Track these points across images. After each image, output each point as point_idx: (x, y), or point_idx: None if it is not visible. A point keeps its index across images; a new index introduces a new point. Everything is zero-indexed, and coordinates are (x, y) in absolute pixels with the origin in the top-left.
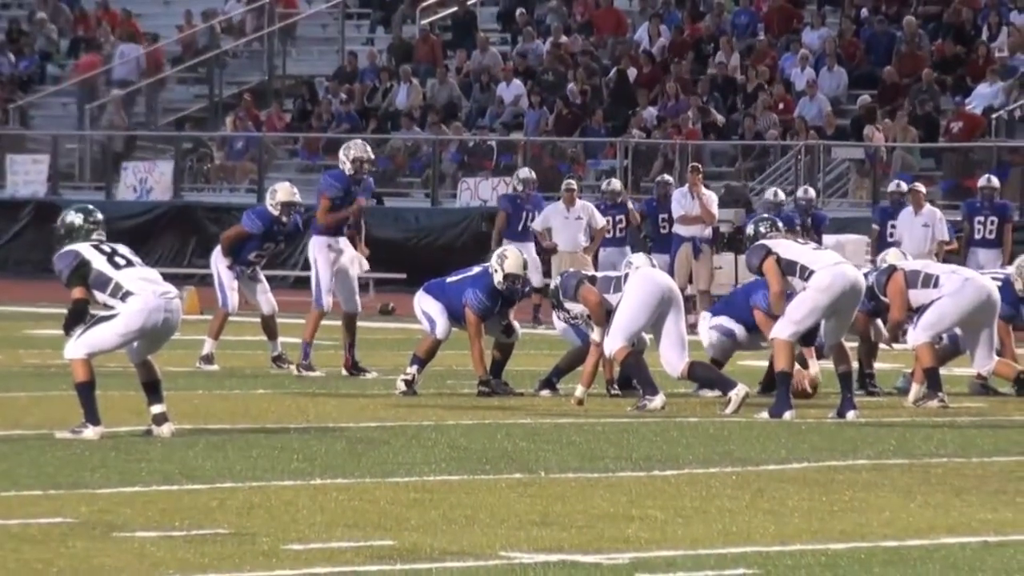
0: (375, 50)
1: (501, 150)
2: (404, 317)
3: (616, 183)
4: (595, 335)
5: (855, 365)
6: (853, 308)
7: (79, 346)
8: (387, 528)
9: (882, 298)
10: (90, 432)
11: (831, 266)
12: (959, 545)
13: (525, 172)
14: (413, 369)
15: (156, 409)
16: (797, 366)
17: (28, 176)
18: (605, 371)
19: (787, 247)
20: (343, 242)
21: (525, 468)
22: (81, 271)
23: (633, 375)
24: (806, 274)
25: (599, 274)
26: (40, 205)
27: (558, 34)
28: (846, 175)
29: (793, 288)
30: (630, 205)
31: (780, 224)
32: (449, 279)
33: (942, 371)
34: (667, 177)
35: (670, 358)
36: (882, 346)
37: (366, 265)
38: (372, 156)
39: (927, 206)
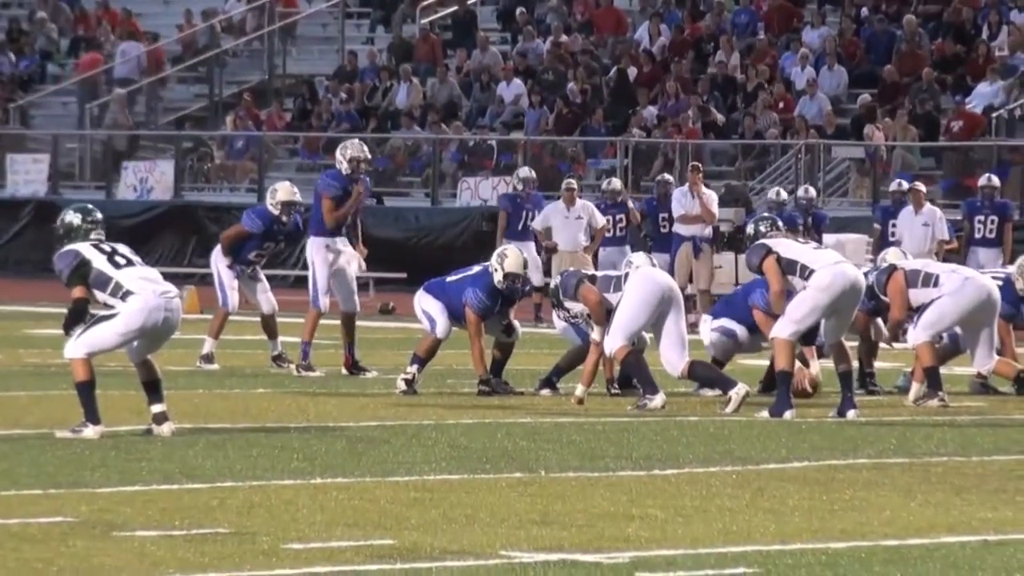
0: (375, 49)
1: (501, 149)
2: (404, 316)
3: (616, 182)
4: (595, 334)
5: (855, 364)
6: (853, 307)
7: (79, 345)
8: (387, 527)
9: (882, 297)
10: (90, 431)
11: (831, 265)
12: (959, 544)
13: (525, 171)
14: (413, 368)
15: (156, 408)
16: (798, 365)
17: (28, 175)
18: (605, 370)
19: (787, 246)
20: (341, 242)
21: (525, 467)
22: (81, 270)
23: (633, 374)
24: (806, 273)
25: (599, 273)
26: (40, 205)
27: (558, 33)
28: (846, 174)
29: (793, 287)
30: (630, 204)
31: (780, 223)
32: (449, 278)
33: (942, 370)
34: (667, 176)
35: (670, 357)
36: (882, 345)
37: (363, 265)
38: (369, 156)
39: (927, 205)
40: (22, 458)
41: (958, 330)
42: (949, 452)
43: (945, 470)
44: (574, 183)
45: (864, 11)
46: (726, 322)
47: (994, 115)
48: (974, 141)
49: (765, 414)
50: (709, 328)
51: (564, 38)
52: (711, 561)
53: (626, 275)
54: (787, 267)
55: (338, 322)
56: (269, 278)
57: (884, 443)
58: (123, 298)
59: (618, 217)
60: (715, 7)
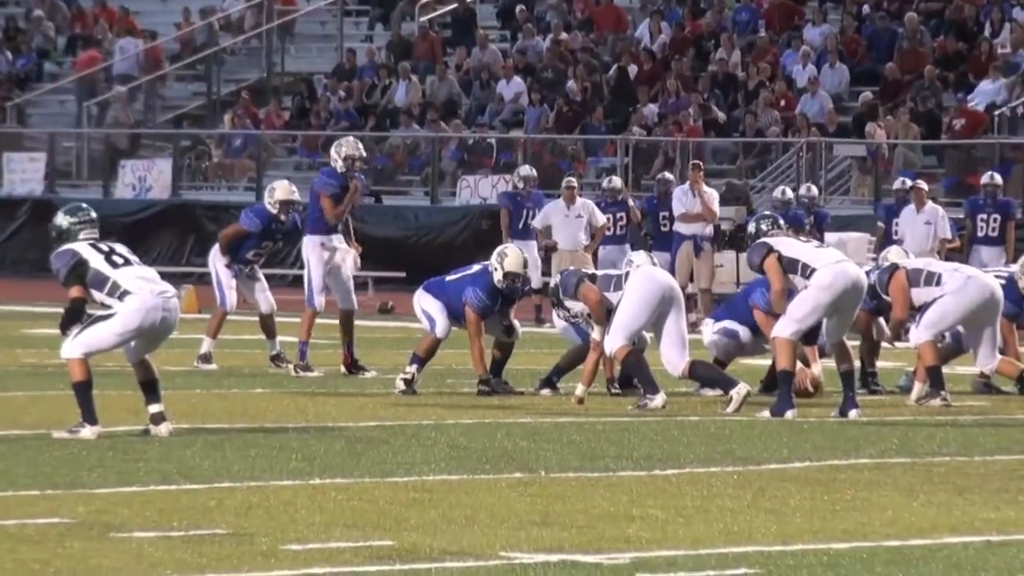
0: (374, 47)
1: (501, 148)
2: (403, 316)
3: (617, 181)
4: (595, 334)
5: (857, 364)
6: (855, 306)
7: (76, 345)
8: (386, 528)
9: (884, 296)
10: (87, 432)
11: (833, 264)
12: (962, 544)
13: (526, 170)
14: (412, 368)
15: (154, 408)
16: (799, 365)
17: (25, 174)
18: (606, 370)
19: (789, 245)
20: (337, 239)
21: (525, 467)
22: (79, 270)
23: (634, 374)
24: (808, 272)
25: (599, 272)
26: (37, 204)
27: (558, 31)
28: (848, 172)
29: (794, 286)
30: (631, 203)
31: (782, 222)
32: (449, 277)
33: (945, 369)
34: (668, 175)
35: (671, 357)
36: (884, 345)
37: (358, 262)
38: (364, 153)
39: (929, 204)
40: (19, 458)
41: (961, 329)
42: (952, 452)
43: (948, 470)
44: (574, 181)
45: (865, 8)
46: (728, 323)
47: (996, 113)
48: (976, 139)
49: (766, 414)
50: (711, 331)
51: (564, 36)
52: (712, 562)
53: (626, 274)
54: (788, 266)
55: (336, 321)
56: (267, 277)
57: (886, 443)
58: (121, 298)
59: (618, 216)
60: (716, 4)
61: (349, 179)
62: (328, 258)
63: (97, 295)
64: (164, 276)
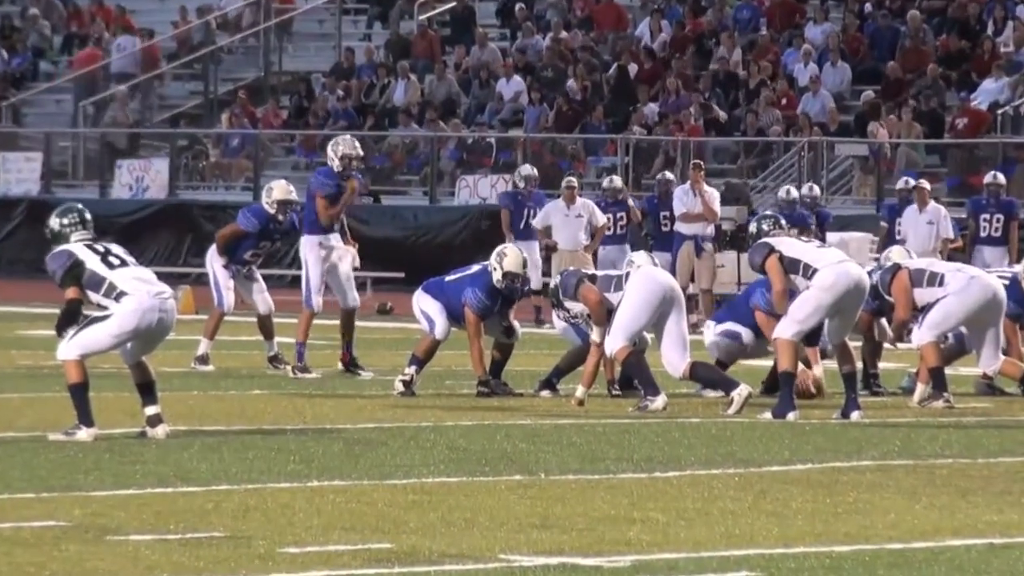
0: (372, 46)
1: (500, 147)
2: (402, 317)
3: (617, 180)
4: (595, 335)
5: (859, 365)
6: (857, 307)
7: (72, 347)
8: (385, 531)
9: (886, 297)
10: (83, 434)
11: (835, 264)
12: (964, 547)
13: (527, 169)
14: (411, 370)
15: (150, 410)
16: (801, 366)
17: (21, 174)
18: (606, 371)
19: (790, 245)
20: (334, 239)
21: (525, 470)
22: (75, 271)
23: (634, 375)
24: (809, 272)
25: (599, 273)
26: (33, 204)
27: (558, 29)
28: (850, 172)
29: (796, 287)
30: (631, 203)
31: (783, 221)
32: (448, 278)
33: (948, 371)
34: (668, 175)
35: (671, 358)
36: (887, 346)
37: (357, 260)
38: (361, 152)
39: (932, 203)
40: (14, 461)
41: (963, 330)
42: (954, 454)
43: (950, 472)
44: (574, 181)
45: (868, 6)
46: (730, 325)
47: (999, 112)
48: (979, 138)
49: (768, 416)
50: (713, 333)
51: (564, 34)
52: (713, 565)
53: (627, 274)
54: (790, 266)
55: (334, 322)
56: (265, 278)
57: (888, 445)
58: (117, 299)
59: (619, 215)
60: (717, 3)
61: (346, 178)
62: (326, 257)
63: (93, 296)
64: (161, 277)
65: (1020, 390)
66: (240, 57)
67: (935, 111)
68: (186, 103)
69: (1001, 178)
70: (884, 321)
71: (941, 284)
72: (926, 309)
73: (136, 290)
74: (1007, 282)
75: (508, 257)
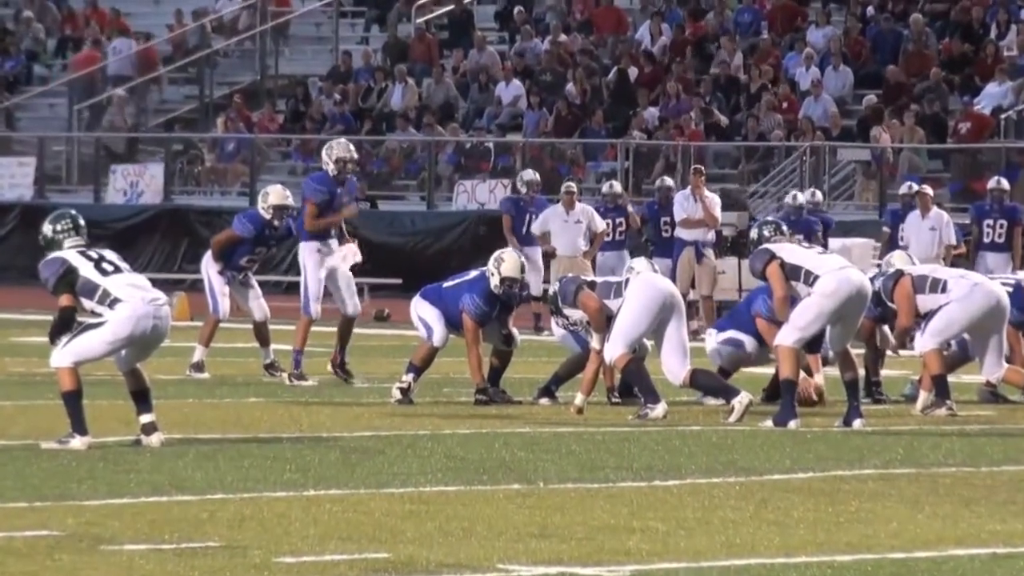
0: (370, 49)
1: (499, 152)
2: (400, 323)
3: (616, 185)
4: (595, 342)
5: (861, 372)
6: (859, 314)
7: (66, 354)
8: (382, 541)
9: (889, 304)
10: (77, 442)
11: (836, 271)
12: (968, 557)
13: (529, 174)
14: (409, 377)
15: (145, 418)
16: (802, 374)
17: (14, 179)
18: (605, 379)
19: (791, 251)
20: (333, 244)
21: (523, 478)
22: (68, 278)
23: (634, 383)
24: (811, 279)
25: (599, 279)
26: (26, 209)
27: (557, 33)
28: (852, 177)
29: (797, 293)
30: (630, 209)
31: (784, 227)
32: (446, 284)
33: (950, 378)
34: (668, 181)
35: (672, 365)
36: (889, 353)
37: (359, 256)
38: (355, 156)
39: (934, 209)
40: (7, 470)
41: (967, 337)
42: (957, 462)
43: (953, 481)
44: (574, 186)
45: (870, 10)
46: (733, 333)
47: (1003, 116)
48: (982, 143)
49: (769, 423)
50: (715, 342)
51: (563, 38)
52: (714, 575)
53: (626, 281)
54: (791, 273)
55: (331, 329)
56: (261, 284)
57: (891, 453)
58: (111, 306)
59: (618, 221)
60: (717, 6)
61: (340, 183)
62: (325, 262)
63: (87, 303)
64: (156, 283)
65: None
66: (236, 61)
67: (938, 115)
68: (181, 107)
69: (1004, 183)
70: (886, 328)
71: (944, 291)
72: (929, 316)
73: (130, 297)
74: (1010, 289)
75: (506, 262)
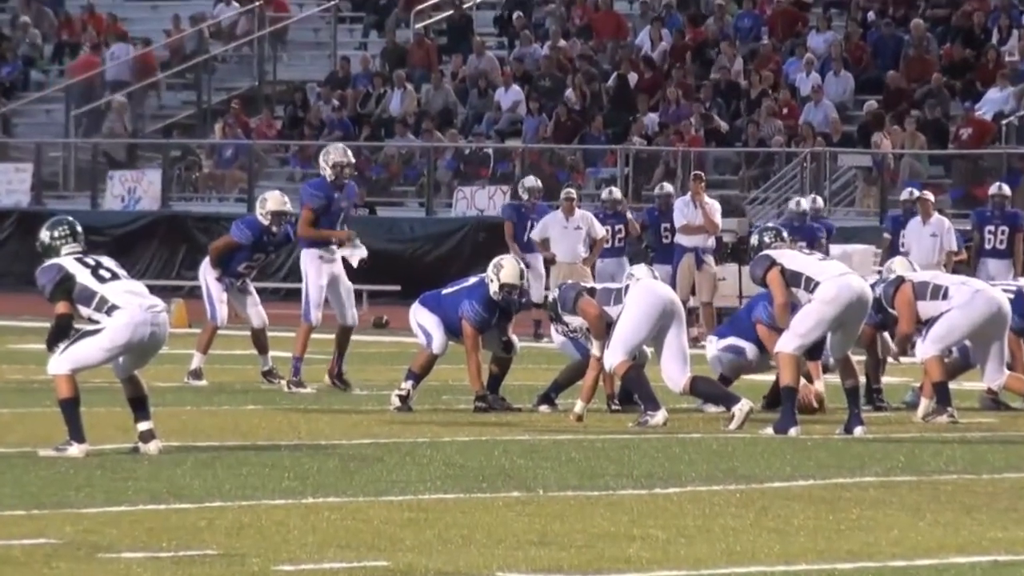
0: (368, 55)
1: (498, 158)
2: (398, 330)
3: (615, 191)
4: (595, 349)
5: (862, 379)
6: (860, 320)
7: (63, 361)
8: (381, 548)
9: (890, 310)
10: (75, 450)
11: (837, 277)
12: (969, 564)
13: (531, 181)
14: (408, 384)
15: (143, 426)
16: (803, 381)
17: (11, 185)
18: (605, 386)
19: (792, 258)
20: (336, 250)
21: (523, 486)
22: (65, 285)
23: (634, 390)
24: (811, 285)
25: (599, 286)
26: (23, 215)
27: (556, 38)
28: (853, 183)
29: (798, 300)
30: (629, 216)
31: (785, 233)
32: (445, 291)
33: (952, 385)
34: (668, 188)
35: (672, 372)
36: (890, 360)
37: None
38: (352, 160)
39: (935, 215)
40: (4, 478)
41: (968, 344)
42: (959, 470)
43: (955, 488)
44: (573, 192)
45: (871, 15)
46: (733, 340)
47: (1004, 122)
48: (984, 149)
49: (770, 431)
50: (716, 348)
51: (563, 43)
52: None
53: (626, 287)
54: (791, 279)
55: (330, 336)
56: (259, 291)
57: (892, 460)
58: (108, 313)
59: (617, 228)
60: (717, 11)
61: (338, 187)
62: (327, 270)
63: (84, 310)
64: (153, 290)
65: None
66: (234, 66)
67: (939, 121)
68: (179, 113)
69: (1006, 189)
70: (887, 335)
71: (945, 297)
72: (930, 323)
73: (128, 304)
74: (1012, 295)
75: (505, 268)
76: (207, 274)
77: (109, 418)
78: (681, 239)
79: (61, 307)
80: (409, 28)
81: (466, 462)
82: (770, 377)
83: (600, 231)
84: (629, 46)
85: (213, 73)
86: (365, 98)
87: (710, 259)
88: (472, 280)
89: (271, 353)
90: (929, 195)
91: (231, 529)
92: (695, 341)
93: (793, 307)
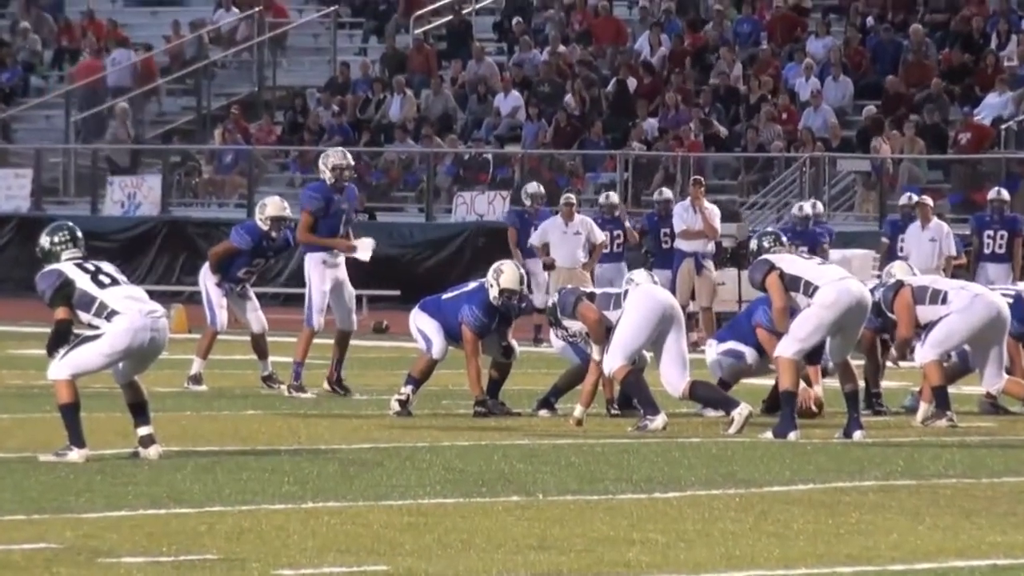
0: (368, 60)
1: (497, 163)
2: (398, 335)
3: (613, 196)
4: (594, 353)
5: (861, 384)
6: (859, 325)
7: (63, 367)
8: (381, 553)
9: (889, 315)
10: (75, 455)
11: (836, 281)
12: (968, 568)
13: (533, 187)
14: (408, 389)
15: (143, 431)
16: (802, 385)
17: (11, 191)
18: (605, 390)
19: (791, 262)
20: (340, 256)
21: (522, 491)
22: (65, 291)
23: (633, 394)
24: (810, 290)
25: (598, 291)
26: (23, 221)
27: (556, 44)
28: (852, 188)
29: (797, 304)
30: (626, 223)
31: (784, 238)
32: (445, 296)
33: (951, 389)
34: (667, 193)
35: (671, 377)
36: (889, 364)
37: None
38: (352, 163)
39: (934, 220)
40: (4, 483)
41: (967, 348)
42: (958, 474)
43: (954, 492)
44: (573, 198)
45: (870, 20)
46: (733, 344)
47: (1003, 127)
48: (983, 154)
49: (769, 435)
50: (715, 352)
51: (562, 49)
52: None
53: (626, 292)
54: (791, 283)
55: (330, 341)
56: (259, 296)
57: (891, 465)
58: (108, 318)
59: (615, 233)
60: (716, 17)
61: (338, 190)
62: (331, 275)
63: (84, 316)
64: (153, 295)
65: None
66: (233, 72)
67: (938, 126)
68: (179, 119)
69: (1005, 194)
70: (887, 339)
71: (944, 302)
72: (929, 327)
73: (127, 309)
74: (1011, 300)
75: (505, 274)
76: (207, 279)
77: (109, 423)
78: (681, 244)
79: (61, 312)
80: (409, 34)
81: (466, 466)
82: (769, 381)
83: (599, 236)
84: (628, 51)
85: (213, 79)
86: (365, 104)
87: (710, 264)
88: (472, 285)
89: (271, 358)
90: (928, 200)
91: (231, 534)
92: (694, 346)
93: (792, 311)
